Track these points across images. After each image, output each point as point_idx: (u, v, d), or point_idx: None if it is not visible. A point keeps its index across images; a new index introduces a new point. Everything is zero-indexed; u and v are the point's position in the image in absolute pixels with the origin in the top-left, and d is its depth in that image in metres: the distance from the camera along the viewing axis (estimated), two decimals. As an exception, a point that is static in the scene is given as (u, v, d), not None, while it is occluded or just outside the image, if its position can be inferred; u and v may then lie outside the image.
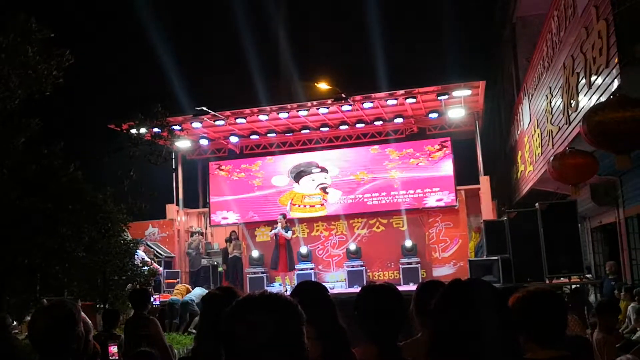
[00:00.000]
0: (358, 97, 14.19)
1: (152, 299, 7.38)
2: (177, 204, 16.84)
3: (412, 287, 12.08)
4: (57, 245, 7.16)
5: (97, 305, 8.36)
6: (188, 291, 13.19)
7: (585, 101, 6.66)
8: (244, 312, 1.57)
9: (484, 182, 14.93)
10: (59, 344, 2.42)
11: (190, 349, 2.85)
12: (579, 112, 6.94)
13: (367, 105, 14.48)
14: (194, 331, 11.96)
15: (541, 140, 9.92)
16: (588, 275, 10.92)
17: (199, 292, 13.18)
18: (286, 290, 12.64)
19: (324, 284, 3.37)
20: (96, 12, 19.71)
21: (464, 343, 1.73)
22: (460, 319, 1.76)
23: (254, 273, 15.17)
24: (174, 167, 16.33)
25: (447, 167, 15.36)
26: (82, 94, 16.11)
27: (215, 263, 15.84)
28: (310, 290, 2.73)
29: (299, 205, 16.27)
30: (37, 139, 7.32)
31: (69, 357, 2.44)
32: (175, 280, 14.52)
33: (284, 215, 15.02)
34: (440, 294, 1.88)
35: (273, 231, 14.72)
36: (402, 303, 2.75)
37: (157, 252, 15.12)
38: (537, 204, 9.43)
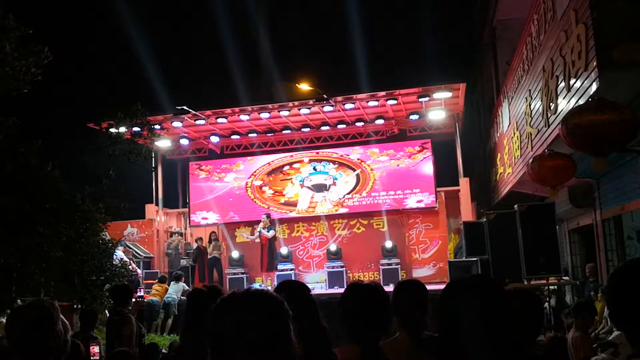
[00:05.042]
0: (339, 98, 14.20)
1: (133, 297, 7.27)
2: (157, 204, 16.69)
3: (392, 288, 12.08)
4: (34, 244, 7.08)
5: (75, 306, 8.26)
6: (166, 291, 13.08)
7: (564, 104, 6.73)
8: (229, 310, 1.53)
9: (464, 184, 15.02)
10: (38, 344, 2.39)
11: (175, 348, 2.82)
12: (557, 115, 7.01)
13: (348, 106, 14.50)
14: (167, 336, 11.90)
15: (520, 142, 10.00)
16: (565, 277, 11.03)
17: (175, 287, 13.09)
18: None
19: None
20: (75, 9, 19.48)
21: (467, 341, 1.70)
22: (465, 318, 1.73)
23: (234, 274, 15.09)
24: (153, 166, 16.20)
25: (427, 169, 15.45)
26: (60, 91, 15.89)
27: (195, 264, 15.74)
28: (292, 289, 2.71)
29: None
30: (14, 137, 7.22)
31: (48, 357, 2.41)
32: (154, 281, 14.40)
33: (268, 215, 14.98)
34: (442, 294, 1.84)
35: (256, 232, 14.67)
36: (387, 303, 2.71)
37: (136, 252, 14.99)
38: (515, 206, 9.50)
